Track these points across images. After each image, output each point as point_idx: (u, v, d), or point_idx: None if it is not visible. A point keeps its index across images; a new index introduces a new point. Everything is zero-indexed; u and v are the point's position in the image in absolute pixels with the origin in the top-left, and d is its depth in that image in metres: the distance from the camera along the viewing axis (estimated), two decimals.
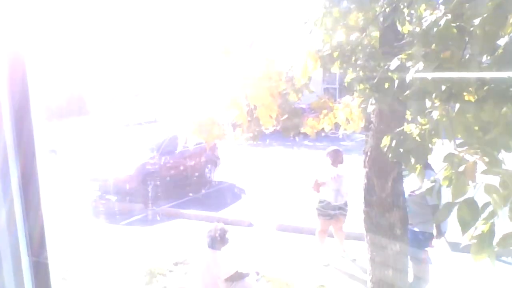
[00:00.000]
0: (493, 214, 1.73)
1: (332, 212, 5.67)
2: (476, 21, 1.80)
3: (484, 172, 1.85)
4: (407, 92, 2.07)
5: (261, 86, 3.20)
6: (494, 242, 1.77)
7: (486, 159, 1.88)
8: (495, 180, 1.80)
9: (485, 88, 2.00)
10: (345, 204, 5.74)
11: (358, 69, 2.25)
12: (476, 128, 2.00)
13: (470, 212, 1.80)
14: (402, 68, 2.05)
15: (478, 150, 1.89)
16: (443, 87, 1.97)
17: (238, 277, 4.46)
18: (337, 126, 4.60)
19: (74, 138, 17.49)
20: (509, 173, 1.77)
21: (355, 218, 4.86)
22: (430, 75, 1.96)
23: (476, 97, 2.06)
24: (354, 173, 5.74)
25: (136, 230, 7.39)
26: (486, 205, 1.76)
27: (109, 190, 8.96)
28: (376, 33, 2.84)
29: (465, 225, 1.79)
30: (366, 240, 3.77)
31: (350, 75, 2.35)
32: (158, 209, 8.60)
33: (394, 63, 2.09)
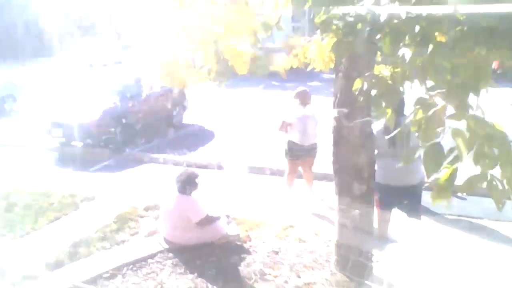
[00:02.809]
0: (457, 159, 1.74)
1: (300, 153, 5.71)
2: None
3: (450, 116, 1.84)
4: (380, 33, 1.98)
5: (234, 31, 3.03)
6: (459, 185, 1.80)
7: (456, 103, 1.87)
8: (463, 125, 1.80)
9: (458, 28, 1.93)
10: (314, 145, 5.78)
11: (330, 7, 2.13)
12: (447, 70, 1.96)
13: (436, 156, 1.80)
14: (376, 5, 1.94)
15: (449, 94, 1.86)
16: (417, 28, 1.90)
17: (208, 220, 4.52)
18: (306, 65, 4.51)
19: (35, 82, 16.64)
20: (474, 118, 1.76)
21: (324, 159, 4.93)
22: (404, 14, 1.87)
23: (448, 38, 2.00)
24: (321, 114, 5.75)
25: (104, 177, 7.28)
26: (452, 149, 1.77)
27: (74, 136, 8.68)
28: None
29: (430, 169, 1.81)
30: (334, 181, 3.83)
31: (322, 14, 2.22)
32: (126, 154, 8.46)
33: (368, 1, 1.98)
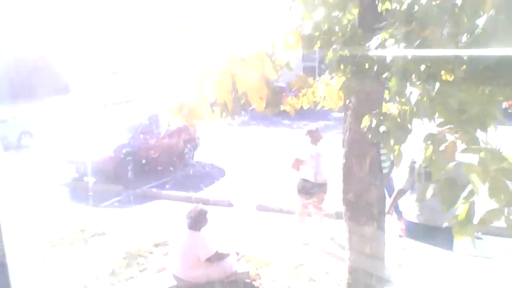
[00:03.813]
0: (472, 193, 1.74)
1: (312, 191, 5.71)
2: (459, 1, 1.78)
3: (464, 150, 1.85)
4: (387, 72, 2.05)
5: (251, 69, 3.13)
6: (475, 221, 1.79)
7: (466, 138, 1.90)
8: (472, 159, 1.81)
9: (463, 68, 2.00)
10: (325, 182, 5.79)
11: (338, 48, 2.22)
12: (455, 107, 2.01)
13: (451, 190, 1.81)
14: (382, 47, 2.02)
15: (458, 129, 1.90)
16: (423, 67, 1.96)
17: (218, 257, 4.48)
18: (316, 104, 4.60)
19: (51, 119, 17.06)
20: (488, 151, 1.78)
21: (334, 197, 4.91)
22: (410, 55, 1.95)
23: (454, 76, 2.07)
24: (332, 152, 5.78)
25: (115, 212, 7.31)
26: (466, 184, 1.78)
27: (87, 172, 8.80)
28: (355, 11, 2.80)
29: (446, 203, 1.81)
30: (344, 219, 3.81)
31: (330, 55, 2.31)
32: (137, 191, 8.51)
33: (374, 42, 2.06)
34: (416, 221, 4.20)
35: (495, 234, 5.11)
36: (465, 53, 1.85)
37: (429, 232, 4.17)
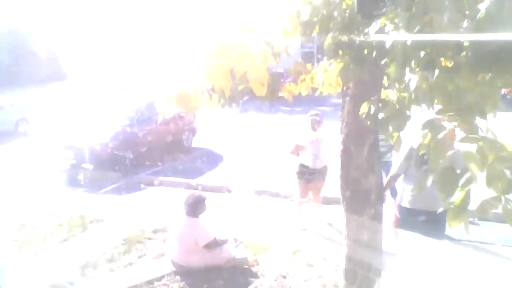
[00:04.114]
0: (470, 181, 1.74)
1: (311, 176, 5.73)
2: None
3: (463, 139, 1.85)
4: (386, 58, 2.03)
5: (252, 54, 3.10)
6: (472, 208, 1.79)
7: (464, 127, 1.89)
8: (470, 147, 1.81)
9: (463, 54, 1.97)
10: (325, 168, 5.79)
11: (336, 34, 2.19)
12: (454, 94, 1.99)
13: (450, 179, 1.81)
14: (381, 33, 2.00)
15: (457, 117, 1.89)
16: (422, 53, 1.94)
17: (216, 243, 4.51)
18: (314, 90, 4.57)
19: (48, 106, 16.98)
20: (487, 140, 1.77)
21: (333, 183, 4.92)
22: (409, 41, 1.92)
23: (453, 63, 2.04)
24: (332, 138, 5.77)
25: (114, 199, 7.32)
26: (464, 172, 1.77)
27: (85, 158, 8.78)
28: None
29: (444, 193, 1.80)
30: (342, 205, 3.82)
31: (329, 41, 2.28)
32: (135, 177, 8.52)
33: (374, 27, 2.03)
34: (409, 206, 4.23)
35: (491, 220, 5.15)
36: (466, 38, 1.83)
37: (423, 217, 4.21)
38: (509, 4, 1.61)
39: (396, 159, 4.46)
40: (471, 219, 3.42)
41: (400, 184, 4.47)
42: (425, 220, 4.24)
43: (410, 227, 4.36)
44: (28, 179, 8.47)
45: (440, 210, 3.16)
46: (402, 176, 4.36)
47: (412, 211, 4.23)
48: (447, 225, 1.74)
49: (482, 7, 1.69)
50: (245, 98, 3.61)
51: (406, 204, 4.25)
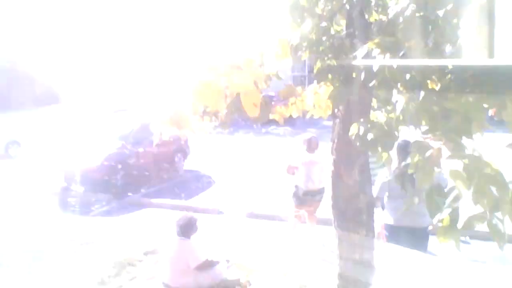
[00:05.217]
0: (457, 198, 1.79)
1: (306, 198, 5.74)
2: (440, 13, 1.84)
3: (449, 157, 1.91)
4: (374, 81, 2.11)
5: (245, 74, 3.17)
6: (459, 225, 1.84)
7: (451, 145, 1.95)
8: (457, 166, 1.87)
9: (447, 77, 2.06)
10: (321, 190, 5.78)
11: (326, 58, 2.27)
12: (440, 115, 2.07)
13: (438, 197, 1.87)
14: (369, 57, 2.08)
15: (443, 137, 1.96)
16: (408, 76, 2.02)
17: (208, 265, 4.48)
18: (304, 113, 4.65)
19: (39, 129, 16.89)
20: (473, 158, 1.84)
21: (325, 204, 4.95)
22: (395, 64, 2.00)
23: (439, 85, 2.13)
24: (326, 160, 5.83)
25: (104, 221, 7.25)
26: (451, 189, 1.83)
27: (76, 181, 8.72)
28: (343, 22, 2.86)
29: (434, 210, 1.86)
30: (333, 225, 3.85)
31: (318, 65, 2.36)
32: (126, 199, 8.46)
33: (361, 52, 2.12)
34: (393, 224, 4.31)
35: (483, 239, 5.20)
36: (449, 62, 1.92)
37: (409, 234, 4.27)
38: (485, 31, 1.70)
39: (376, 183, 4.52)
40: (462, 238, 3.48)
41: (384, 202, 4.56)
42: (409, 237, 4.30)
43: (394, 244, 4.41)
44: (18, 202, 8.37)
45: (423, 226, 3.19)
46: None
47: (397, 228, 4.30)
48: (428, 242, 1.77)
49: (461, 33, 1.79)
50: (235, 121, 3.68)
51: (390, 221, 4.36)
